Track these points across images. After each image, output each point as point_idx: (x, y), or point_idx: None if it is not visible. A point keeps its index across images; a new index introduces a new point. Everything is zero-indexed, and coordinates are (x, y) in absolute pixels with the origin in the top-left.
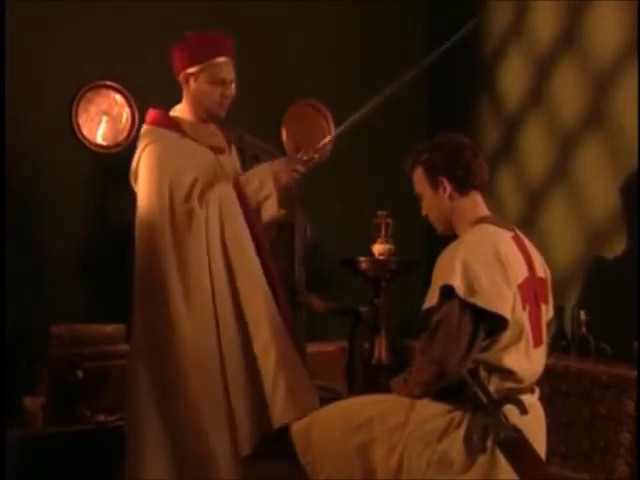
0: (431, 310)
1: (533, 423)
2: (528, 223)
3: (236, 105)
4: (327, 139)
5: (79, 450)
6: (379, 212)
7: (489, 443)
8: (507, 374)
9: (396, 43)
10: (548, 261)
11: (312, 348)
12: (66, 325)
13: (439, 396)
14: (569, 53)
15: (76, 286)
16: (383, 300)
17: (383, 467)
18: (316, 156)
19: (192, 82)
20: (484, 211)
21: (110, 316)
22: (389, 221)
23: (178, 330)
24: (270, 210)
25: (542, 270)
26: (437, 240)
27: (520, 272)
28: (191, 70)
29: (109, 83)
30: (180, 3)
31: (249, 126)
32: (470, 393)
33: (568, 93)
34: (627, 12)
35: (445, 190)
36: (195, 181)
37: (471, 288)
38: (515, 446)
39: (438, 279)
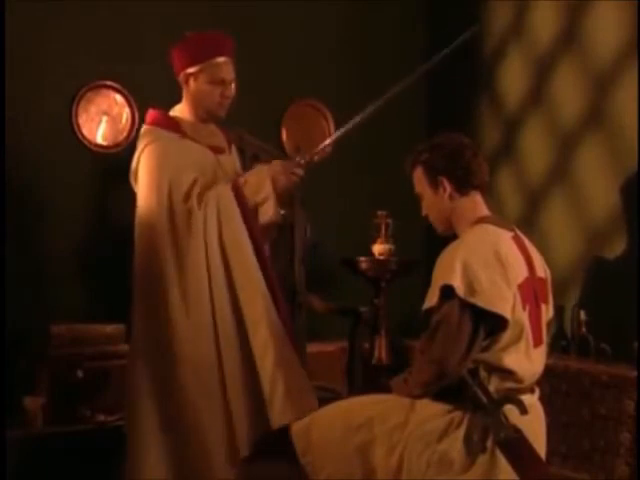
0: (431, 310)
1: (533, 423)
2: (528, 223)
3: (236, 105)
4: (326, 142)
5: (79, 450)
6: (379, 212)
7: (489, 443)
8: (507, 374)
9: (396, 43)
10: (548, 261)
11: (312, 348)
12: (66, 325)
13: (439, 396)
14: (569, 53)
15: (76, 286)
16: (383, 300)
17: (383, 467)
18: (315, 159)
19: (192, 82)
20: (484, 211)
21: (110, 316)
22: (389, 221)
23: (176, 330)
24: (267, 213)
25: (542, 270)
26: (437, 240)
27: (520, 272)
28: (191, 70)
29: (109, 83)
30: (180, 3)
31: (249, 126)
32: (470, 393)
33: (568, 93)
34: (627, 12)
35: (445, 190)
36: (194, 181)
37: (471, 288)
38: (515, 446)
39: (438, 279)
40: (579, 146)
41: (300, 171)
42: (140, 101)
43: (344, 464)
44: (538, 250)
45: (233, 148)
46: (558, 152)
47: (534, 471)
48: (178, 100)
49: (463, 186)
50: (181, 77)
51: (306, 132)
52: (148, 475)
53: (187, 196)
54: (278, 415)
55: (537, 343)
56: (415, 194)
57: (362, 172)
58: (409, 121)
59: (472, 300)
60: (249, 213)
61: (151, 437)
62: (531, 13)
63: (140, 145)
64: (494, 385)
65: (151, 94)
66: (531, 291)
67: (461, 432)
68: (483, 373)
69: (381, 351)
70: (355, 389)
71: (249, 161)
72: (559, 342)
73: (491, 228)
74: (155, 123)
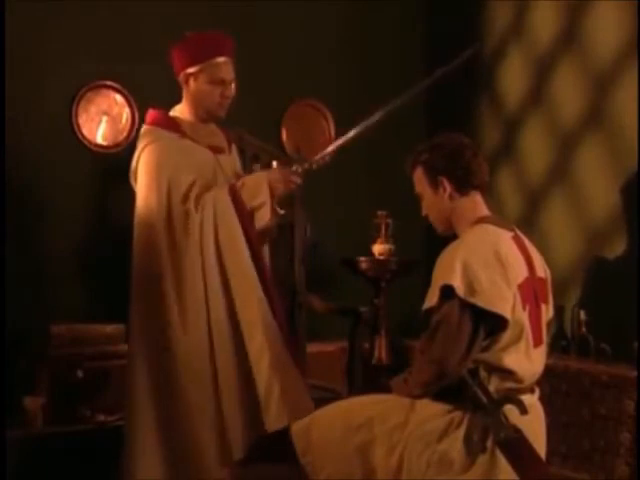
0: (431, 310)
1: (533, 423)
2: (528, 223)
3: (236, 105)
4: (325, 152)
5: (79, 450)
6: (379, 212)
7: (489, 443)
8: (507, 374)
9: (396, 43)
10: (548, 261)
11: (312, 348)
12: (66, 325)
13: (439, 396)
14: (569, 53)
15: (76, 286)
16: (383, 300)
17: (383, 467)
18: (314, 167)
19: (192, 82)
20: (484, 211)
21: (110, 316)
22: (389, 221)
23: (171, 331)
24: (264, 218)
25: (542, 270)
26: (437, 240)
27: (520, 272)
28: (191, 70)
29: (109, 83)
30: (180, 3)
31: (249, 126)
32: (470, 393)
33: (568, 93)
34: (627, 12)
35: (445, 190)
36: (193, 183)
37: (471, 288)
38: (515, 446)
39: (438, 279)
40: (579, 146)
41: (298, 179)
42: (140, 101)
43: (344, 464)
44: (538, 250)
45: (233, 148)
46: (558, 152)
47: (534, 471)
48: (178, 100)
49: (463, 186)
50: (181, 77)
51: (306, 132)
52: (145, 475)
53: (185, 197)
54: (274, 419)
55: (537, 343)
56: (415, 194)
57: (362, 172)
58: (409, 121)
59: (472, 300)
60: (246, 216)
61: (148, 437)
62: (531, 13)
63: (140, 145)
64: (494, 385)
65: (151, 94)
66: (531, 291)
67: (461, 432)
68: (483, 373)
69: (381, 351)
70: (355, 389)
71: (249, 161)
72: (559, 342)
73: (491, 228)
74: (155, 123)
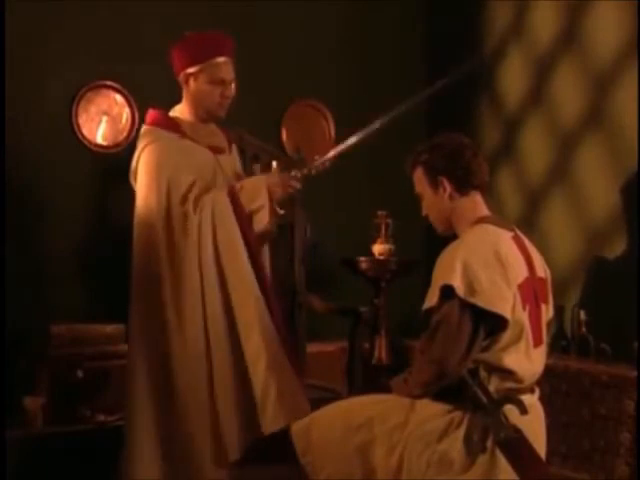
0: (431, 310)
1: (533, 423)
2: (528, 223)
3: (236, 105)
4: (325, 158)
5: (79, 450)
6: (379, 212)
7: (489, 443)
8: (507, 374)
9: (396, 43)
10: (548, 261)
11: (312, 348)
12: (66, 325)
13: (439, 396)
14: (569, 53)
15: (76, 286)
16: (383, 300)
17: (383, 467)
18: (313, 172)
19: (192, 82)
20: (484, 211)
21: (110, 316)
22: (389, 221)
23: (169, 332)
24: (262, 221)
25: (542, 270)
26: (437, 240)
27: (520, 272)
28: (191, 70)
29: (109, 83)
30: (180, 3)
31: (249, 126)
32: (470, 393)
33: (568, 93)
34: (627, 12)
35: (445, 190)
36: (193, 184)
37: (471, 288)
38: (515, 446)
39: (438, 279)
40: (579, 146)
41: (297, 184)
42: (140, 101)
43: (344, 464)
44: (538, 250)
45: (234, 148)
46: (558, 152)
47: (534, 471)
48: (178, 100)
49: (463, 186)
50: (181, 77)
51: (306, 132)
52: (142, 475)
53: (184, 198)
54: (270, 421)
55: (537, 343)
56: (415, 194)
57: (362, 172)
58: (409, 121)
59: (472, 300)
60: (244, 218)
61: (148, 437)
62: (531, 13)
63: (140, 145)
64: (494, 385)
65: (151, 94)
66: (531, 291)
67: (461, 432)
68: (483, 373)
69: (381, 351)
70: (355, 389)
71: (249, 161)
72: (559, 342)
73: (491, 228)
74: (155, 123)
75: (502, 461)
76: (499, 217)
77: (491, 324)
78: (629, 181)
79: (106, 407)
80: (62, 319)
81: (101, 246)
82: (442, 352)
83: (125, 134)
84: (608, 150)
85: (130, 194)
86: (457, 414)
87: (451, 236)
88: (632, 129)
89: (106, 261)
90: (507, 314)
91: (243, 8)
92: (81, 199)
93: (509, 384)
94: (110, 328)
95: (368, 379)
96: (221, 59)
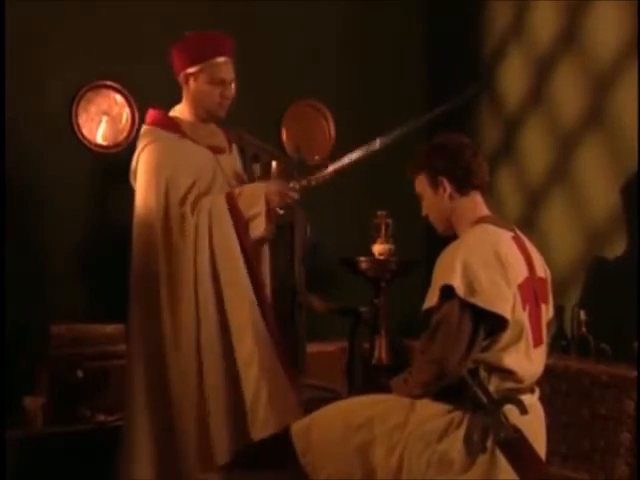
0: (431, 310)
1: (533, 423)
2: (528, 223)
3: (236, 105)
4: (326, 171)
5: (79, 450)
6: (379, 212)
7: (489, 443)
8: (507, 374)
9: (396, 43)
10: (548, 261)
11: (312, 348)
12: (66, 325)
13: (439, 396)
14: (569, 53)
15: (76, 286)
16: (383, 300)
17: (383, 467)
18: (313, 184)
19: (192, 82)
20: (484, 211)
21: (110, 316)
22: (389, 221)
23: (164, 332)
24: (258, 228)
25: (542, 270)
26: (437, 240)
27: (520, 272)
28: (191, 70)
29: (109, 83)
30: (180, 3)
31: (249, 126)
32: (470, 393)
33: (568, 93)
34: (627, 12)
35: (445, 190)
36: (192, 185)
37: (471, 288)
38: (515, 446)
39: (438, 279)
40: (579, 146)
41: (295, 194)
42: (140, 101)
43: (344, 464)
44: (538, 250)
45: (234, 148)
46: (558, 152)
47: (534, 471)
48: (178, 100)
49: (463, 186)
50: (181, 77)
51: (306, 132)
52: (141, 474)
53: (183, 200)
54: (260, 427)
55: (537, 343)
56: (415, 194)
57: (362, 172)
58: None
59: (472, 300)
60: (241, 223)
61: (145, 437)
62: (531, 13)
63: (140, 145)
64: (494, 385)
65: (151, 94)
66: (531, 291)
67: (461, 432)
68: (483, 373)
69: (381, 351)
70: (355, 389)
71: (249, 161)
72: (559, 342)
73: (491, 228)
74: (155, 123)
75: (502, 461)
76: (499, 217)
77: (491, 324)
78: (629, 181)
79: (106, 407)
80: (62, 319)
81: (101, 246)
82: (442, 352)
83: (125, 134)
84: (608, 150)
85: (130, 194)
86: (457, 414)
87: (451, 236)
88: (632, 129)
89: (106, 261)
90: (507, 314)
91: (243, 8)
92: (81, 199)
93: (509, 384)
94: (110, 328)
95: (368, 379)
96: (221, 59)
